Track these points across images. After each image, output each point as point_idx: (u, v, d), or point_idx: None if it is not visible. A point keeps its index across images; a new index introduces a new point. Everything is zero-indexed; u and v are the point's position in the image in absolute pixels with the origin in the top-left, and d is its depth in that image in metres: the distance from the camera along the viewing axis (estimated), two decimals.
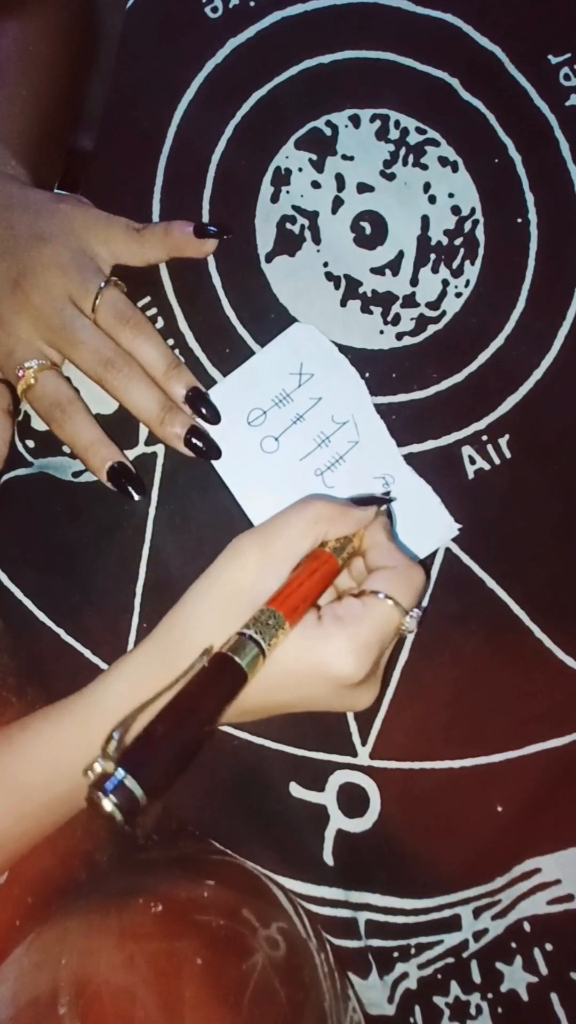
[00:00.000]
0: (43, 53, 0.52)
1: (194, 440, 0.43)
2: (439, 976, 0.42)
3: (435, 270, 0.46)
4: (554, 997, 0.40)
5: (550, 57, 0.48)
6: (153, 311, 0.46)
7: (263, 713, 0.38)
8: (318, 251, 0.46)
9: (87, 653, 0.44)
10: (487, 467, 0.45)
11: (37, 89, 0.51)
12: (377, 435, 0.44)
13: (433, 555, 0.44)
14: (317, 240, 0.46)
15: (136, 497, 0.43)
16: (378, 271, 0.46)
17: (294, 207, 0.46)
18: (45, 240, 0.43)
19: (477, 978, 0.41)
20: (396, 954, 0.42)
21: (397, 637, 0.37)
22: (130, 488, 0.43)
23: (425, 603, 0.44)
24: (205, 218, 0.47)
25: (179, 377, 0.43)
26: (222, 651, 0.34)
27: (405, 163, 0.46)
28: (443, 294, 0.46)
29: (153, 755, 0.31)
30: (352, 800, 0.43)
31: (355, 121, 0.47)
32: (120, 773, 0.30)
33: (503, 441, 0.45)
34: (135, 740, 0.31)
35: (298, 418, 0.44)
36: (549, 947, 0.41)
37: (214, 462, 0.44)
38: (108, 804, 0.29)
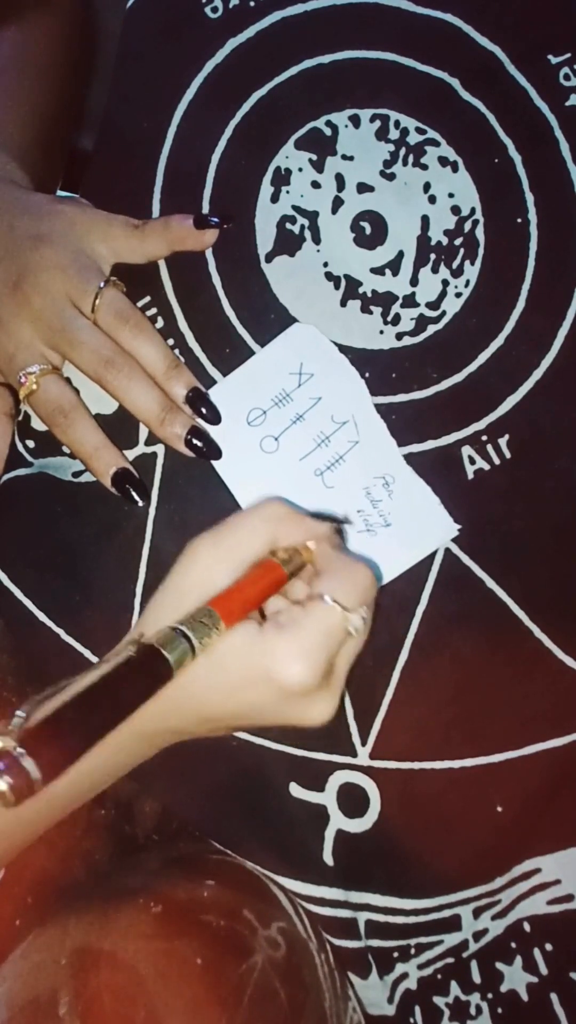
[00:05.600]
0: (42, 58, 0.52)
1: (194, 440, 0.43)
2: (439, 976, 0.42)
3: (435, 270, 0.46)
4: (554, 997, 0.40)
5: (550, 57, 0.48)
6: (153, 311, 0.46)
7: (216, 723, 0.37)
8: (318, 251, 0.46)
9: (87, 653, 0.44)
10: (487, 467, 0.45)
11: (37, 94, 0.51)
12: (377, 435, 0.44)
13: (433, 555, 0.44)
14: (317, 240, 0.46)
15: (140, 503, 0.43)
16: (378, 271, 0.46)
17: (294, 207, 0.46)
18: (45, 242, 0.43)
19: (477, 978, 0.41)
20: (396, 954, 0.42)
21: (348, 640, 0.35)
22: (134, 493, 0.43)
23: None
24: None
25: (179, 377, 0.43)
26: (149, 642, 0.33)
27: (405, 163, 0.46)
28: (443, 294, 0.46)
29: (56, 737, 0.30)
30: (352, 800, 0.43)
31: (355, 121, 0.47)
32: (18, 751, 0.28)
33: (503, 441, 0.45)
34: (41, 721, 0.30)
35: (298, 418, 0.44)
36: (549, 947, 0.41)
37: (214, 462, 0.44)
38: (1, 783, 0.28)
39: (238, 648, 0.34)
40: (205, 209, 0.47)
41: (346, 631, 0.35)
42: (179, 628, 0.33)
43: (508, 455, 0.45)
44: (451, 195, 0.46)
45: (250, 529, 0.36)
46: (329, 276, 0.46)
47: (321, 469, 0.44)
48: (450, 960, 0.42)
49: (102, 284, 0.43)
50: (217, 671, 0.34)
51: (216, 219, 0.44)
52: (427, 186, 0.46)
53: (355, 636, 0.35)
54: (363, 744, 0.43)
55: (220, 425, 0.44)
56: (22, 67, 0.51)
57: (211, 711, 0.36)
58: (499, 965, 0.41)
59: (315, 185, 0.46)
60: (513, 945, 0.41)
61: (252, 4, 0.48)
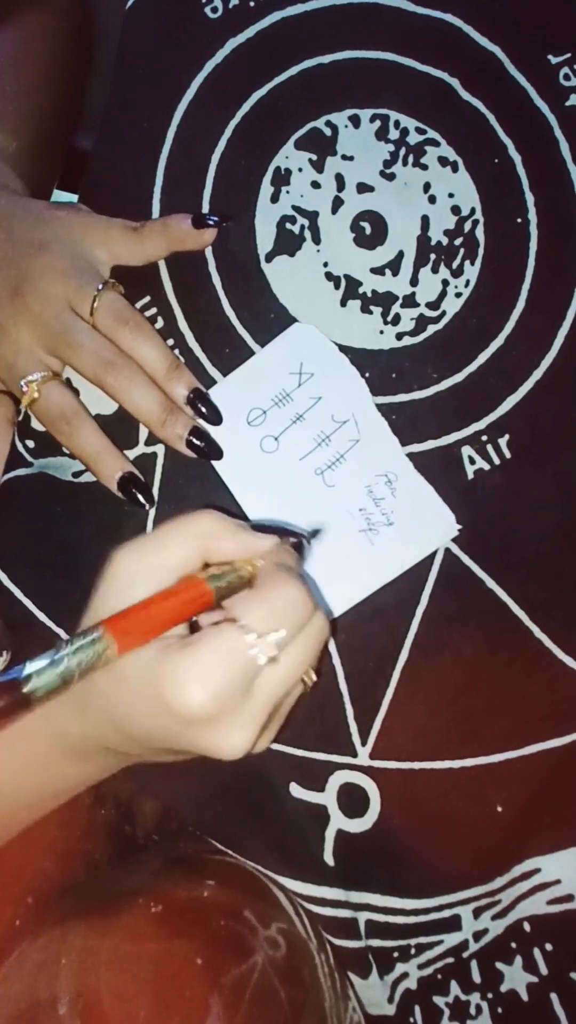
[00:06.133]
0: (40, 59, 0.52)
1: (195, 441, 0.43)
2: (439, 976, 0.42)
3: (435, 270, 0.46)
4: (554, 997, 0.40)
5: (550, 57, 0.48)
6: (153, 311, 0.46)
7: (144, 745, 0.35)
8: (318, 251, 0.46)
9: None
10: (487, 467, 0.45)
11: (34, 95, 0.51)
12: (379, 433, 0.44)
13: (433, 555, 0.44)
14: (317, 240, 0.46)
15: (146, 506, 0.43)
16: (378, 271, 0.46)
17: (294, 207, 0.46)
18: (43, 247, 0.43)
19: (477, 978, 0.41)
20: (396, 954, 0.42)
21: (269, 666, 0.32)
22: (140, 497, 0.43)
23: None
24: None
25: (180, 378, 0.43)
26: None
27: (405, 163, 0.46)
28: (443, 294, 0.46)
29: None
30: (352, 800, 0.43)
31: (355, 121, 0.47)
32: None
33: (503, 441, 0.45)
34: None
35: (298, 418, 0.44)
36: (549, 947, 0.41)
37: (214, 462, 0.44)
38: None
39: (140, 668, 0.32)
40: (205, 209, 0.47)
41: (252, 657, 0.31)
42: (57, 650, 0.31)
43: (508, 455, 0.45)
44: (451, 195, 0.46)
45: (176, 542, 0.34)
46: (329, 276, 0.46)
47: (322, 468, 0.44)
48: (450, 960, 0.42)
49: (100, 287, 0.43)
50: (123, 691, 0.32)
51: (215, 218, 0.44)
52: (427, 186, 0.46)
53: (275, 663, 0.32)
54: (363, 744, 0.43)
55: (221, 426, 0.44)
56: (19, 68, 0.51)
57: (132, 731, 0.34)
58: (499, 965, 0.41)
59: (315, 185, 0.46)
60: (513, 945, 0.41)
61: (252, 4, 0.48)
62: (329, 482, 0.44)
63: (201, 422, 0.44)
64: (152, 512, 0.45)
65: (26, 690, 0.30)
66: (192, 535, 0.34)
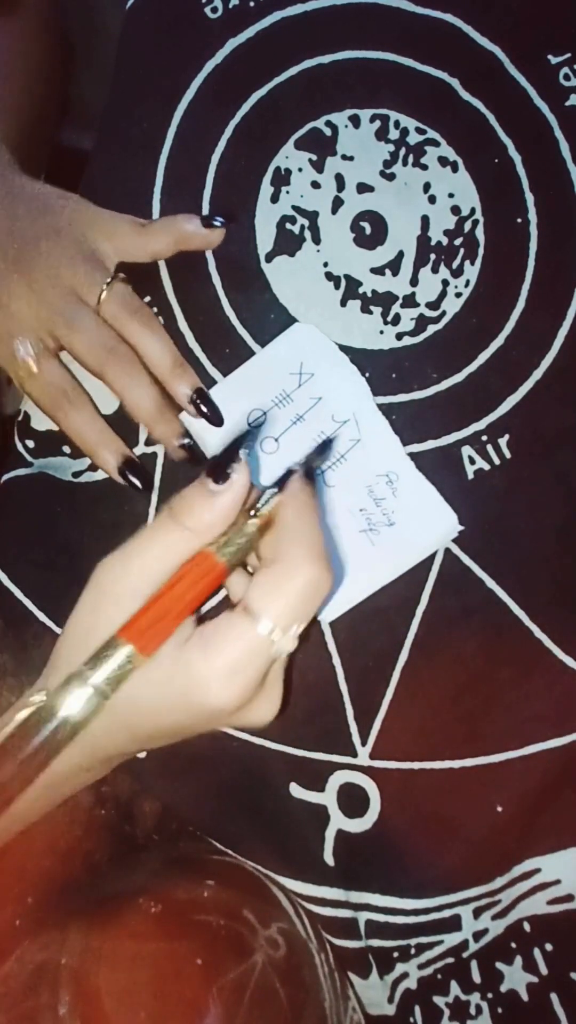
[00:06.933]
0: (9, 63, 0.52)
1: (186, 441, 0.43)
2: (439, 976, 0.42)
3: (435, 270, 0.46)
4: (554, 997, 0.40)
5: (550, 57, 0.48)
6: (153, 311, 0.46)
7: (149, 743, 0.35)
8: (318, 251, 0.46)
9: None
10: (487, 467, 0.45)
11: (6, 97, 0.51)
12: (380, 433, 0.44)
13: (433, 555, 0.44)
14: (317, 240, 0.46)
15: (142, 489, 0.43)
16: (378, 271, 0.46)
17: (294, 207, 0.46)
18: (52, 233, 0.43)
19: (477, 978, 0.41)
20: (396, 954, 0.42)
21: (278, 655, 0.32)
22: (136, 482, 0.42)
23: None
24: None
25: (184, 376, 0.43)
26: (37, 704, 0.30)
27: (405, 163, 0.46)
28: (443, 294, 0.46)
29: None
30: (352, 800, 0.43)
31: (355, 121, 0.47)
32: None
33: (503, 441, 0.45)
34: None
35: (298, 418, 0.44)
36: (549, 947, 0.41)
37: None
38: None
39: (161, 669, 0.31)
40: (205, 210, 0.47)
41: (275, 650, 0.31)
42: (79, 676, 0.30)
43: (508, 455, 0.45)
44: (451, 195, 0.46)
45: (152, 537, 0.32)
46: (329, 276, 0.46)
47: (322, 468, 0.44)
48: (450, 960, 0.42)
49: (109, 280, 0.42)
50: (141, 694, 0.32)
51: (220, 219, 0.44)
52: (427, 186, 0.46)
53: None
54: (363, 744, 0.43)
55: (221, 426, 0.44)
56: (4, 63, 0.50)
57: (142, 731, 0.33)
58: (499, 965, 0.41)
59: (315, 185, 0.46)
60: (513, 945, 0.41)
61: (252, 4, 0.48)
62: (329, 482, 0.44)
63: (203, 422, 0.44)
64: (152, 513, 0.45)
65: (63, 717, 0.30)
66: (165, 519, 0.33)
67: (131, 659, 0.31)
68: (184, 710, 0.32)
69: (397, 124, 0.47)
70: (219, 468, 0.32)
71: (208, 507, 0.32)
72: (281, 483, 0.34)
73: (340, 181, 0.46)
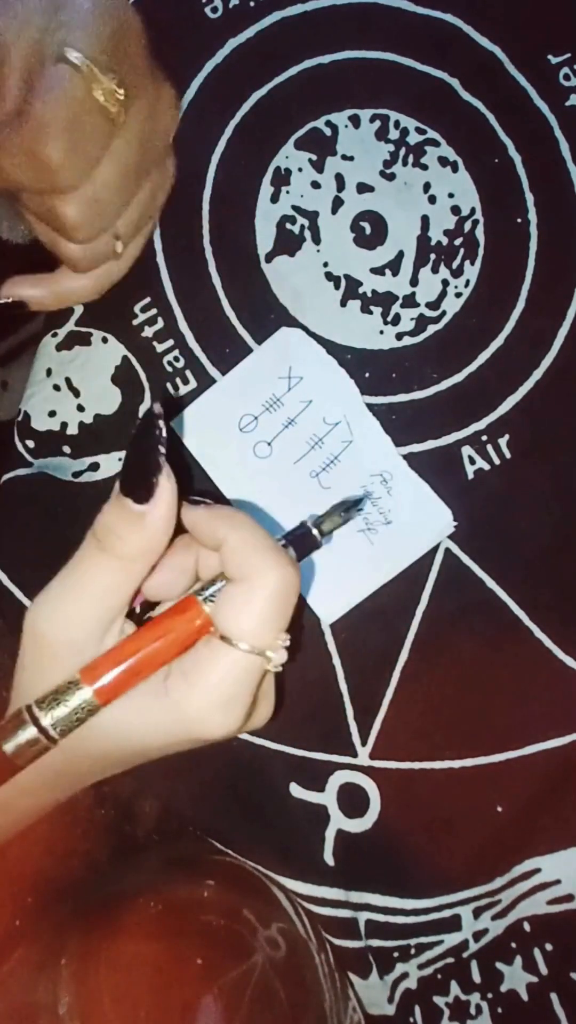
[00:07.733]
0: None
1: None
2: (439, 976, 0.42)
3: (435, 270, 0.46)
4: (554, 997, 0.40)
5: (550, 57, 0.48)
6: (153, 311, 0.46)
7: (133, 764, 0.34)
8: (318, 251, 0.46)
9: None
10: (487, 467, 0.45)
11: None
12: (371, 433, 0.44)
13: (433, 555, 0.44)
14: (317, 240, 0.46)
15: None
16: (378, 271, 0.46)
17: (294, 207, 0.46)
18: None
19: (477, 978, 0.41)
20: (396, 954, 0.42)
21: (268, 672, 0.31)
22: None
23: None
24: (206, 218, 0.46)
25: None
26: None
27: (405, 163, 0.46)
28: (443, 294, 0.46)
29: None
30: (352, 800, 0.43)
31: (355, 121, 0.47)
32: None
33: (503, 441, 0.45)
34: None
35: (290, 422, 0.44)
36: (549, 947, 0.41)
37: (208, 469, 0.44)
38: None
39: (143, 708, 0.30)
40: (205, 209, 0.46)
41: (263, 669, 0.30)
42: (29, 709, 0.28)
43: (508, 455, 0.45)
44: (451, 195, 0.46)
45: (83, 558, 0.29)
46: (329, 276, 0.46)
47: (316, 471, 0.44)
48: (450, 960, 0.42)
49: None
50: (124, 729, 0.30)
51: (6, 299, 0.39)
52: (427, 186, 0.46)
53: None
54: (363, 744, 0.43)
55: (213, 432, 0.44)
56: None
57: (126, 758, 0.32)
58: (499, 965, 0.41)
59: (315, 185, 0.46)
60: (513, 945, 0.41)
61: (252, 4, 0.48)
62: (325, 484, 0.44)
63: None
64: None
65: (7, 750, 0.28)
66: (91, 539, 0.29)
67: (85, 708, 0.29)
68: (180, 744, 0.31)
69: (397, 124, 0.47)
70: (136, 483, 0.28)
71: (136, 531, 0.28)
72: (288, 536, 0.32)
73: (340, 181, 0.46)
